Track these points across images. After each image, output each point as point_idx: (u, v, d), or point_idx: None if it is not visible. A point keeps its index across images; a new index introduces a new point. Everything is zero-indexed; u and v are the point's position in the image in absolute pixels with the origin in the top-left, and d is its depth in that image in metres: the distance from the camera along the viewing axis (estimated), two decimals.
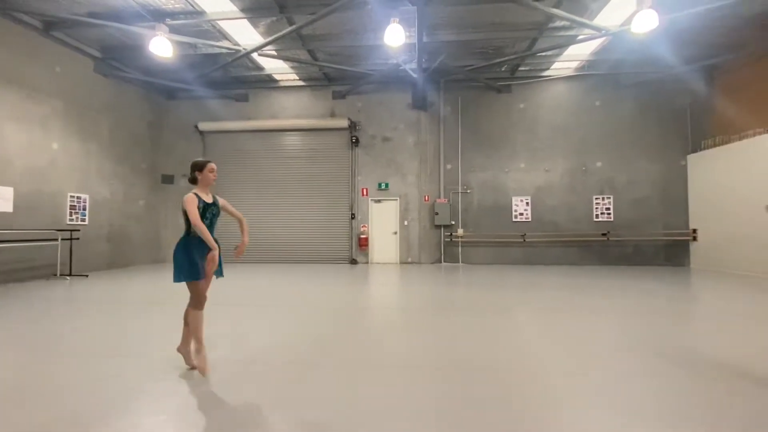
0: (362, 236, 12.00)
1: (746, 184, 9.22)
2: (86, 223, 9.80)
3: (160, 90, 12.40)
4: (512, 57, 10.36)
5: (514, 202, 11.76)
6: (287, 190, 12.41)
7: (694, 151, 11.07)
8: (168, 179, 12.76)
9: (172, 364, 3.32)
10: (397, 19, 7.81)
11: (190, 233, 3.10)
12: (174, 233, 12.70)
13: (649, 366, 3.32)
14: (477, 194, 11.90)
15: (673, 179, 11.29)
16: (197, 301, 3.11)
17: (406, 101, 12.06)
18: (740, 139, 9.57)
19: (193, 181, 3.26)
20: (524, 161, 11.83)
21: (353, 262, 12.05)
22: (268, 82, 12.41)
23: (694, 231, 10.92)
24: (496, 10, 8.50)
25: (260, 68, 11.45)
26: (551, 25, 8.96)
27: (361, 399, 2.68)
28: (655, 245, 11.25)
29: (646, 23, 7.22)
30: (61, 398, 2.68)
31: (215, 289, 7.53)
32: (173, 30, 8.65)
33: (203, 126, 12.52)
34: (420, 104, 11.67)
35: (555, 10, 7.84)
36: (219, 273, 3.27)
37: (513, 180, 11.83)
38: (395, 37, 7.90)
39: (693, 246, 10.99)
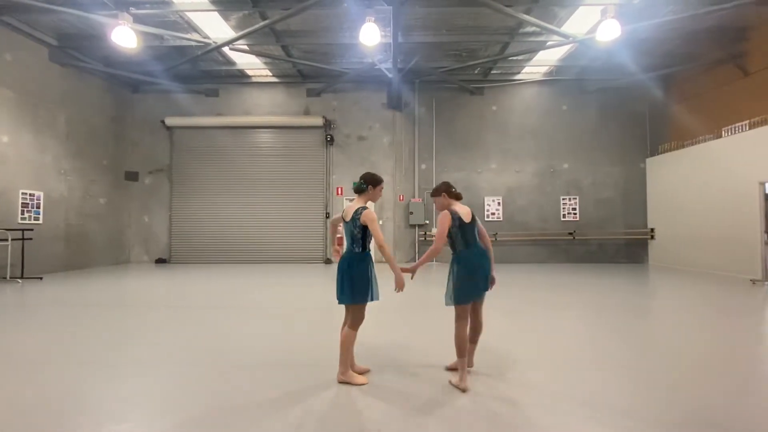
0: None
1: (698, 187, 9.87)
2: (40, 222, 9.18)
3: (123, 82, 11.80)
4: (485, 60, 10.61)
5: (486, 202, 12.05)
6: (260, 189, 12.13)
7: (652, 154, 11.73)
8: (132, 176, 12.17)
9: (125, 371, 3.18)
10: (373, 18, 7.80)
11: (367, 251, 2.89)
12: (139, 232, 12.15)
13: (614, 355, 3.50)
14: None
15: (633, 181, 11.92)
16: (359, 323, 2.88)
17: (382, 101, 12.07)
18: (693, 144, 10.23)
19: (360, 191, 2.98)
20: (496, 162, 12.14)
21: (328, 261, 11.95)
22: (240, 78, 12.09)
23: (652, 230, 11.58)
24: (469, 14, 8.67)
25: (231, 63, 11.13)
26: (522, 30, 9.24)
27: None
28: (617, 244, 11.85)
29: (610, 32, 7.58)
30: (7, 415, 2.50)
31: (168, 290, 7.28)
32: (138, 20, 8.24)
33: (171, 121, 12.02)
34: (395, 104, 11.72)
35: (525, 16, 8.09)
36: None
37: (485, 180, 12.11)
38: (371, 36, 7.89)
39: (651, 244, 11.66)
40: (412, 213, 11.79)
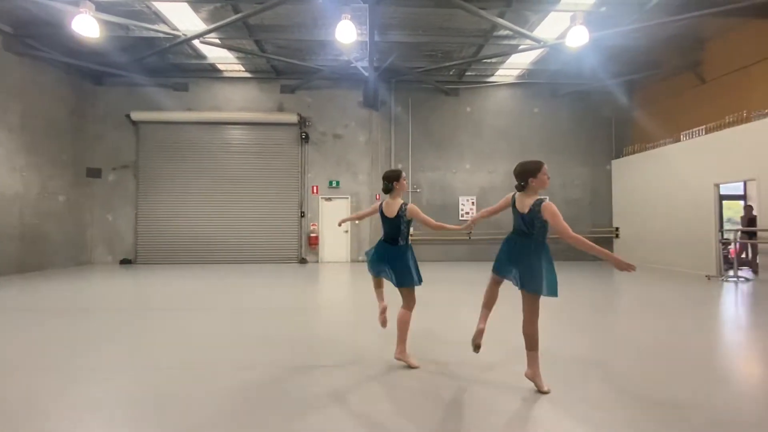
0: (312, 235, 11.78)
1: (659, 188, 10.39)
2: None
3: (85, 74, 11.19)
4: (460, 62, 10.76)
5: (461, 202, 12.23)
6: (232, 187, 11.81)
7: (617, 157, 12.25)
8: (95, 173, 11.58)
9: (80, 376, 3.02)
10: (349, 16, 7.74)
11: (409, 242, 3.29)
12: (102, 231, 11.58)
13: (589, 347, 3.63)
14: (426, 193, 12.20)
15: (599, 182, 12.41)
16: (414, 303, 3.26)
17: (358, 99, 12.01)
18: (654, 147, 10.75)
19: (389, 190, 3.28)
20: (470, 162, 12.34)
21: (303, 261, 11.79)
22: (211, 72, 11.73)
23: (617, 229, 12.10)
24: (445, 15, 8.75)
25: (202, 56, 10.78)
26: (496, 33, 9.42)
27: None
28: None
29: (578, 38, 7.84)
30: None
31: (133, 292, 7.00)
32: (101, 8, 7.83)
33: (137, 115, 11.51)
34: (371, 103, 11.68)
35: (499, 20, 8.25)
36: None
37: (460, 180, 12.29)
38: (346, 33, 7.83)
39: (616, 242, 12.18)
40: None
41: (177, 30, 8.94)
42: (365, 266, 3.45)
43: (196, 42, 9.63)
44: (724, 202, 9.94)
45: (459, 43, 9.90)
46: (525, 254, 2.74)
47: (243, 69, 11.64)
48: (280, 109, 11.98)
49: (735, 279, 7.85)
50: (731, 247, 8.78)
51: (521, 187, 2.82)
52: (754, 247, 9.33)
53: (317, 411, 2.45)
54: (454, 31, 9.45)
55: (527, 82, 12.13)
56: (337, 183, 11.95)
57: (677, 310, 5.45)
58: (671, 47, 9.78)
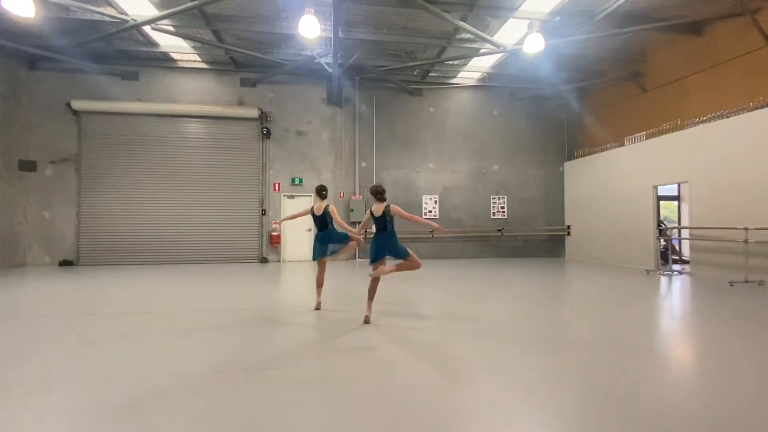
0: (274, 233, 11.48)
1: (605, 189, 11.16)
2: None
3: (17, 57, 10.15)
4: (423, 62, 10.92)
5: (424, 200, 12.43)
6: (188, 183, 11.23)
7: (569, 159, 13.00)
8: (29, 166, 10.56)
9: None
10: (312, 10, 7.60)
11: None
12: (38, 230, 10.59)
13: (537, 340, 3.83)
14: (390, 192, 12.23)
15: (553, 183, 13.11)
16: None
17: (321, 95, 11.85)
18: (602, 150, 11.53)
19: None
20: (433, 162, 12.57)
21: (264, 260, 11.46)
22: (164, 61, 11.06)
23: (569, 227, 12.85)
24: (409, 15, 8.84)
25: (154, 44, 10.14)
26: (458, 36, 9.65)
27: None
28: (539, 239, 12.96)
29: (535, 45, 8.24)
30: None
31: (74, 296, 6.52)
32: None
33: (78, 105, 10.62)
34: (335, 99, 11.57)
35: (461, 23, 8.46)
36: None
37: (423, 179, 12.49)
38: (310, 28, 7.68)
39: (567, 240, 12.93)
40: (352, 210, 11.76)
41: (125, 14, 8.35)
42: (327, 265, 5.14)
43: (147, 28, 9.05)
44: (661, 202, 10.84)
45: (422, 43, 10.03)
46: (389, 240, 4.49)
47: (199, 59, 11.08)
48: (240, 103, 11.54)
49: (669, 273, 8.61)
50: (665, 243, 9.63)
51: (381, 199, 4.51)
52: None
53: (275, 416, 2.40)
54: (417, 32, 9.57)
55: (487, 85, 12.55)
56: (300, 180, 11.72)
57: (617, 302, 5.89)
58: (617, 58, 10.52)
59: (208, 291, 6.89)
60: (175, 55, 10.84)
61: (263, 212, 11.52)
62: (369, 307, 4.53)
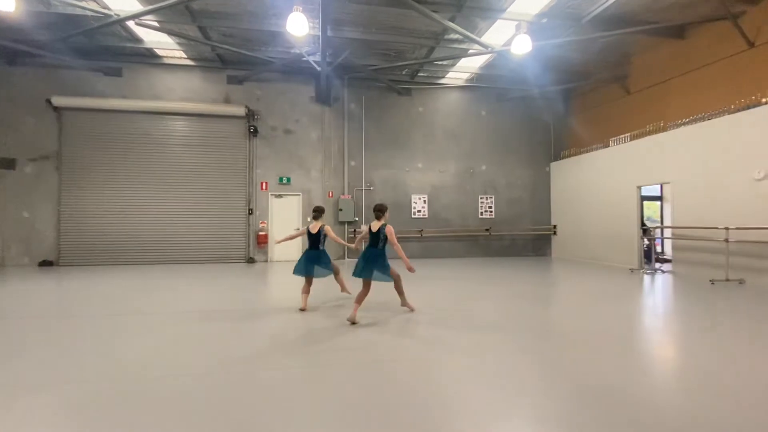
0: (261, 233, 11.36)
1: (590, 189, 11.32)
2: None
3: None
4: (412, 62, 10.93)
5: (413, 200, 12.45)
6: (173, 182, 11.04)
7: (556, 159, 13.15)
8: (7, 164, 10.25)
9: None
10: (301, 8, 7.53)
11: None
12: (17, 230, 10.30)
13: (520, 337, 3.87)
14: (379, 191, 12.26)
15: (539, 183, 13.25)
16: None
17: (310, 94, 11.77)
18: (587, 151, 11.69)
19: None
20: (422, 162, 12.59)
21: (251, 260, 11.33)
22: (149, 57, 10.85)
23: (555, 227, 13.01)
24: (398, 15, 8.82)
25: (138, 40, 9.94)
26: (447, 36, 9.68)
27: None
28: (526, 239, 13.09)
29: (522, 46, 8.29)
30: None
31: (55, 297, 6.37)
32: None
33: (59, 101, 10.35)
34: (324, 98, 11.50)
35: (449, 23, 8.48)
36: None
37: (412, 179, 12.50)
38: (298, 26, 7.60)
39: (554, 239, 13.09)
40: (341, 210, 11.71)
41: (108, 9, 8.16)
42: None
43: (130, 24, 8.86)
44: (644, 202, 11.04)
45: (411, 43, 10.03)
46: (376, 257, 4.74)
47: (185, 56, 10.90)
48: (227, 100, 11.39)
49: (652, 271, 8.77)
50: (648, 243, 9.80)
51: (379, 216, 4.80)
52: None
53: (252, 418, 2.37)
54: (406, 32, 9.57)
55: (476, 86, 12.62)
56: (288, 179, 11.63)
57: (603, 300, 5.98)
58: (602, 60, 10.68)
59: (192, 292, 6.78)
60: (160, 52, 10.64)
61: (250, 211, 11.40)
62: (404, 302, 5.09)
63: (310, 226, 5.42)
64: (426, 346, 3.78)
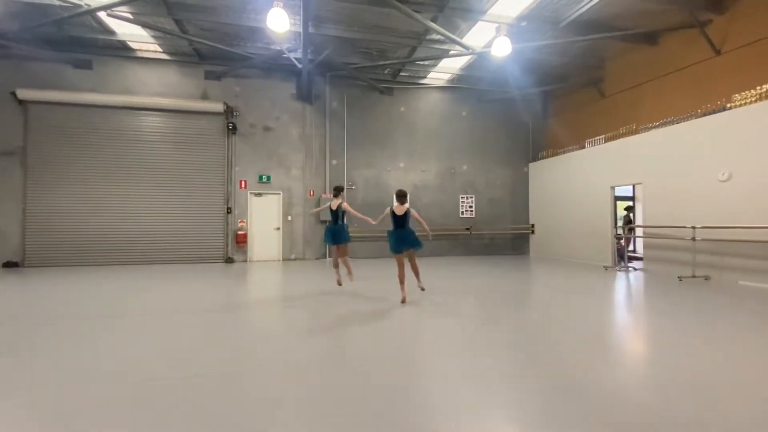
0: (240, 232, 11.14)
1: (566, 189, 11.62)
2: None
3: None
4: (394, 61, 10.94)
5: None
6: (147, 179, 10.69)
7: (534, 160, 13.44)
8: None
9: None
10: (281, 4, 7.42)
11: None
12: None
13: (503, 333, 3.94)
14: (361, 191, 12.23)
15: (518, 183, 13.51)
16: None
17: (290, 91, 11.61)
18: (564, 152, 11.99)
19: (337, 195, 6.22)
20: (404, 161, 12.63)
21: (229, 260, 11.10)
22: (121, 50, 10.46)
23: (533, 226, 13.30)
24: (380, 14, 8.82)
25: (110, 32, 9.57)
26: (428, 37, 9.74)
27: None
28: (505, 238, 13.33)
29: (502, 48, 8.42)
30: None
31: (21, 300, 6.09)
32: None
33: (24, 94, 9.85)
34: (305, 96, 11.36)
35: (431, 24, 8.53)
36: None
37: (394, 178, 12.52)
38: (278, 22, 7.48)
39: (532, 238, 13.38)
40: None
41: None
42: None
43: (102, 14, 8.52)
44: (618, 202, 11.42)
45: (393, 42, 10.04)
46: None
47: (160, 50, 10.56)
48: (204, 96, 11.11)
49: (626, 269, 9.09)
50: (622, 241, 10.16)
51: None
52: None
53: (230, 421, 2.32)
54: (388, 31, 9.56)
55: (457, 87, 12.74)
56: (268, 178, 11.44)
57: (578, 297, 6.16)
58: (579, 64, 10.97)
59: (165, 293, 6.59)
60: (133, 45, 10.28)
61: (228, 210, 11.16)
62: (403, 289, 5.66)
63: (331, 203, 6.16)
64: (411, 340, 3.79)
